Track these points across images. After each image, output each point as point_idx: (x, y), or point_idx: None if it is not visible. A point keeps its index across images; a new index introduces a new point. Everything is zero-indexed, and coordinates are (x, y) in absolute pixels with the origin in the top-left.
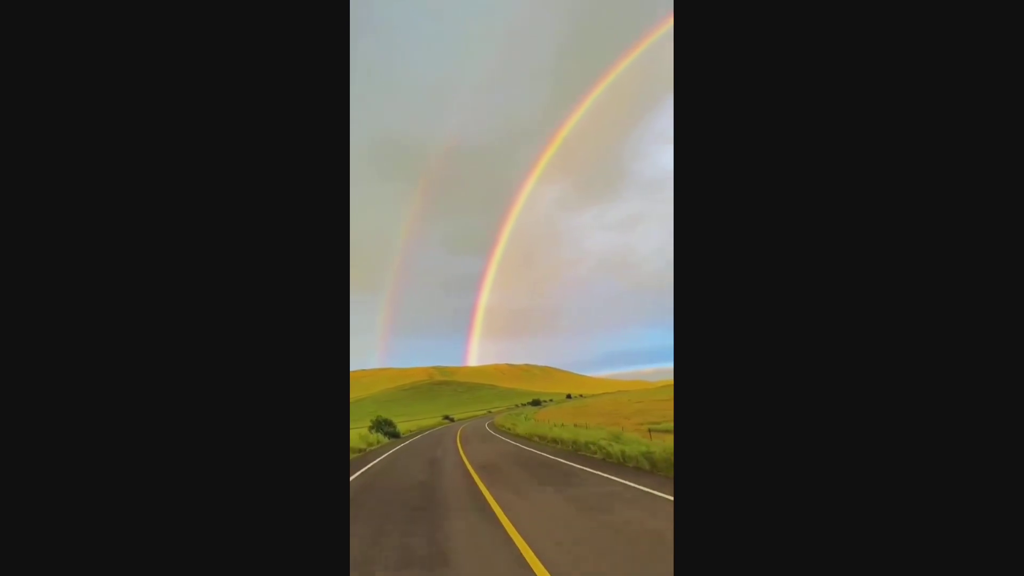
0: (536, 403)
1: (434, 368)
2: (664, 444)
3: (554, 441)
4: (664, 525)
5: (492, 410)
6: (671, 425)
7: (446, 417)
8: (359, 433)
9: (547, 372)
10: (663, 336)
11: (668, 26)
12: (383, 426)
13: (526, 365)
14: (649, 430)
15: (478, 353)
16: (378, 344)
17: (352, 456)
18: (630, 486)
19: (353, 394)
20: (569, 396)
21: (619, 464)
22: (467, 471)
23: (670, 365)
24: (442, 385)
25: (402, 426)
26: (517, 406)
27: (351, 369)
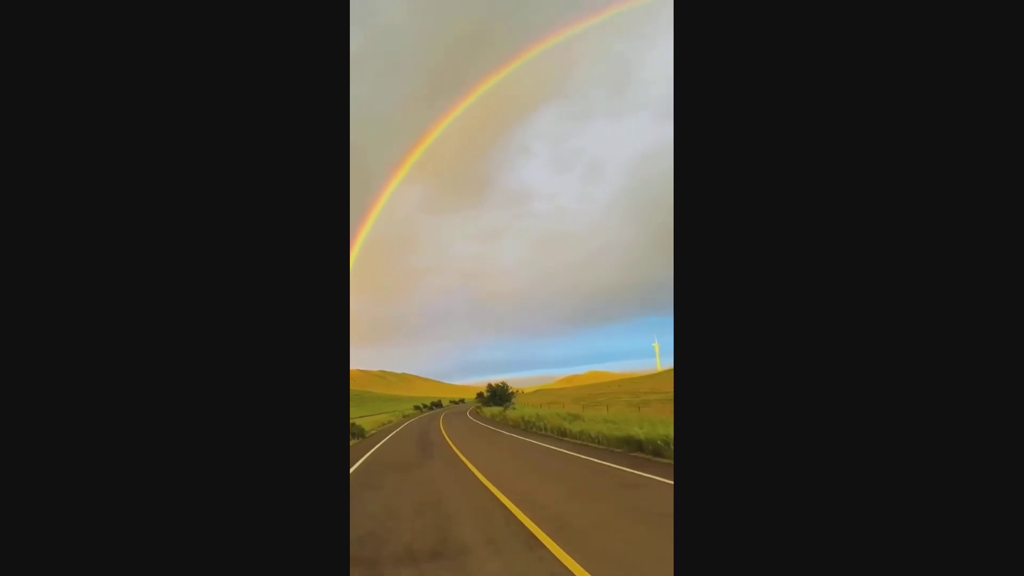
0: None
1: None
2: None
3: None
4: None
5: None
6: None
7: None
8: None
9: (405, 379)
10: (522, 348)
11: (544, 45)
12: None
13: (381, 371)
14: None
15: None
16: None
17: None
18: None
19: None
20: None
21: None
22: None
23: (531, 374)
24: None
25: None
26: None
27: None
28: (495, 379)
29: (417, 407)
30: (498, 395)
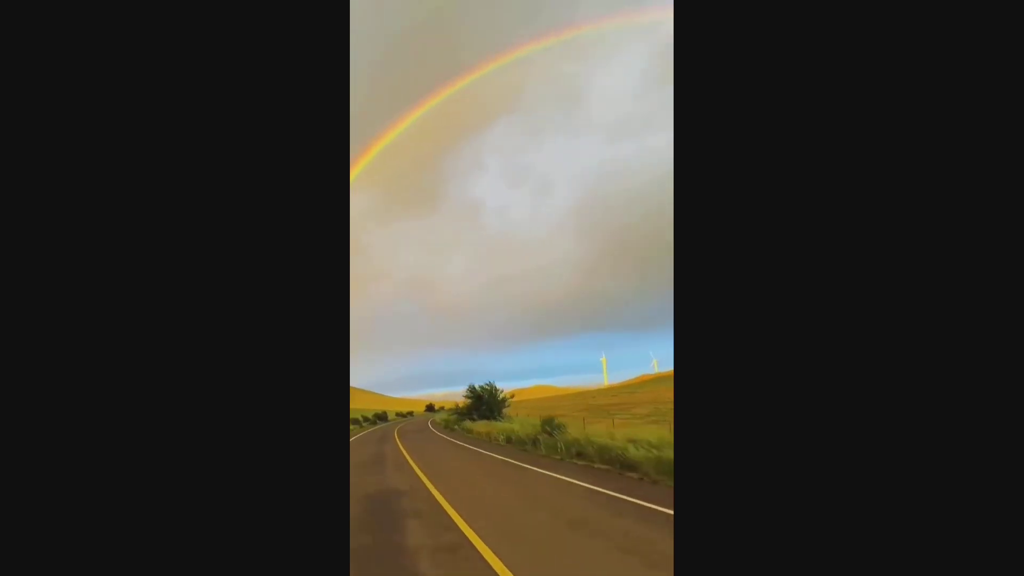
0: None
1: None
2: None
3: None
4: None
5: None
6: None
7: None
8: None
9: None
10: (467, 361)
11: (498, 62)
12: None
13: None
14: None
15: None
16: None
17: None
18: None
19: None
20: (431, 407)
21: None
22: None
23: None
24: None
25: None
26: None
27: None
28: (440, 391)
29: (355, 421)
30: (486, 403)
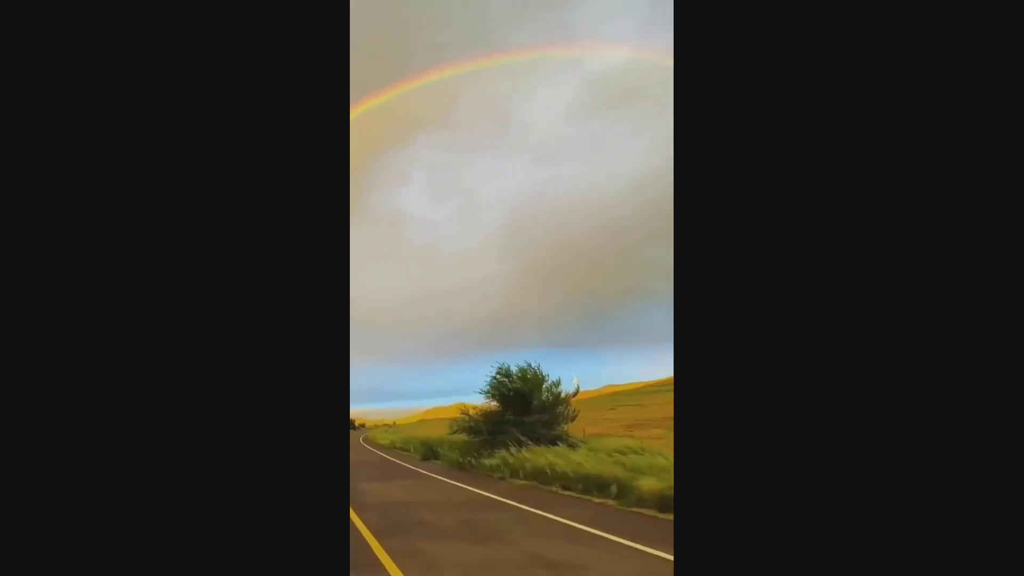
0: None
1: None
2: None
3: None
4: None
5: None
6: None
7: None
8: None
9: None
10: (386, 377)
11: (429, 78)
12: None
13: None
14: None
15: None
16: None
17: None
18: None
19: None
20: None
21: None
22: None
23: (397, 405)
24: None
25: None
26: None
27: None
28: (367, 408)
29: None
30: (536, 408)
